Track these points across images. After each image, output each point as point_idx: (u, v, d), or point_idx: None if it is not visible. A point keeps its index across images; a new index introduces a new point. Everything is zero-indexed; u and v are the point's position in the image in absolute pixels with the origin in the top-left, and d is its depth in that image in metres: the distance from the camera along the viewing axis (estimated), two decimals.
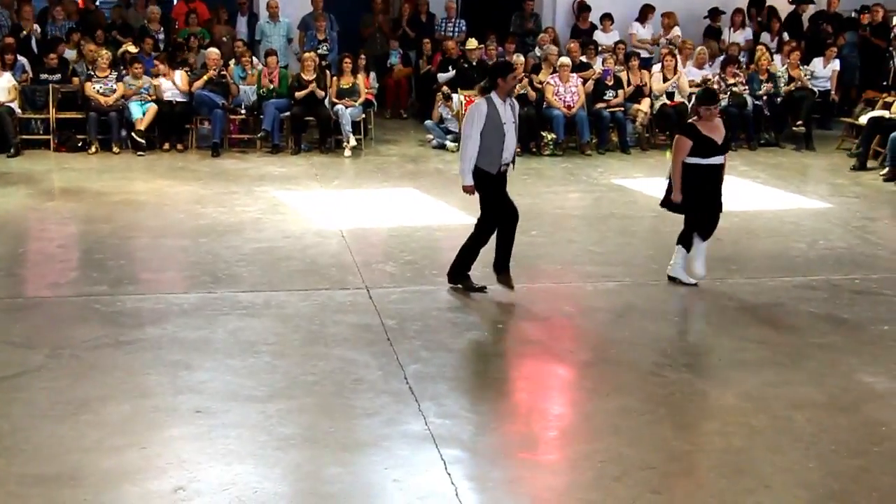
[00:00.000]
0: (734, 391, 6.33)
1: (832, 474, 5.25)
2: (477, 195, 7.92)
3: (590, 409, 6.06)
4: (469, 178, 7.81)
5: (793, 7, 17.36)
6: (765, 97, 14.91)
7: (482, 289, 8.03)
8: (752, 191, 12.22)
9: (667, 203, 8.34)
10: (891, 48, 16.24)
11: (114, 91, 13.76)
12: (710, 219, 8.28)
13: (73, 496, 4.84)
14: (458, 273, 8.06)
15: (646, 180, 12.55)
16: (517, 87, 14.19)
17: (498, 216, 7.93)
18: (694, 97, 9.12)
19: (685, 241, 8.32)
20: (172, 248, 9.39)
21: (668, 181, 8.34)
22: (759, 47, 15.78)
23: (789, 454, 5.46)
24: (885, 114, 13.67)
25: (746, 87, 14.94)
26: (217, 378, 6.29)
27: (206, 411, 5.80)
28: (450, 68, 15.26)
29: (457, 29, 16.78)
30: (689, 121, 8.39)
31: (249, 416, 5.76)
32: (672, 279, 8.36)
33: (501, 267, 8.01)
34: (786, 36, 16.70)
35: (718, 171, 8.21)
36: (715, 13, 16.98)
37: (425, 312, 7.58)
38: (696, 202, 8.18)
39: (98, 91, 13.69)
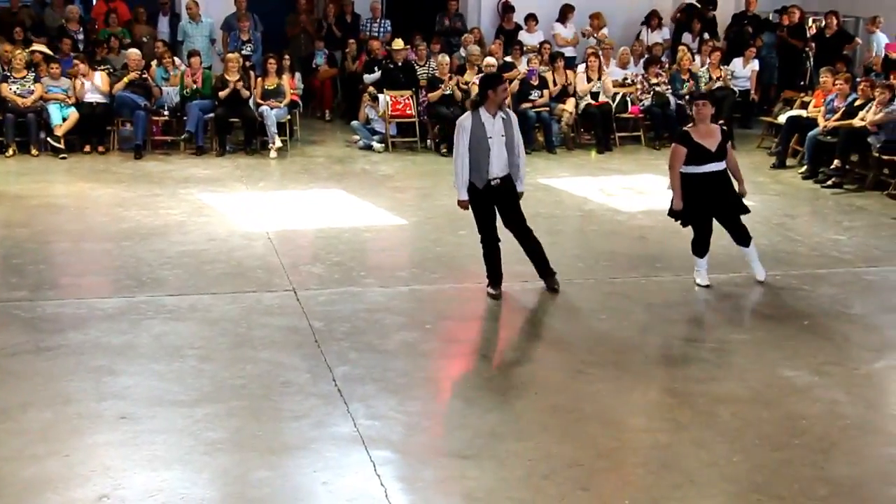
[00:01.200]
0: (660, 387, 6.42)
1: (756, 467, 5.35)
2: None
3: (518, 408, 6.09)
4: (463, 192, 7.87)
5: (700, 5, 17.62)
6: (687, 97, 15.12)
7: (496, 296, 7.99)
8: None
9: (671, 212, 8.36)
10: (807, 49, 16.60)
11: (31, 92, 13.47)
12: (706, 231, 8.28)
13: None
14: (489, 278, 8.06)
15: (572, 179, 12.66)
16: (444, 86, 14.33)
17: (486, 230, 7.94)
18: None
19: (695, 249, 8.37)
20: (95, 252, 9.23)
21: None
22: (681, 48, 16.02)
23: (714, 448, 5.55)
24: (803, 113, 13.94)
25: (669, 87, 15.16)
26: (142, 383, 6.19)
27: (131, 417, 5.71)
28: (375, 69, 15.22)
29: (382, 29, 16.75)
30: (685, 128, 8.34)
31: (175, 421, 5.69)
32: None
33: (542, 273, 8.13)
34: (706, 36, 16.96)
35: (715, 179, 8.17)
36: (653, 16, 17.23)
37: (353, 314, 7.55)
38: (692, 212, 8.21)
39: (15, 92, 13.40)
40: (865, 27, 16.49)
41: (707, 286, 8.32)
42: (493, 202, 7.94)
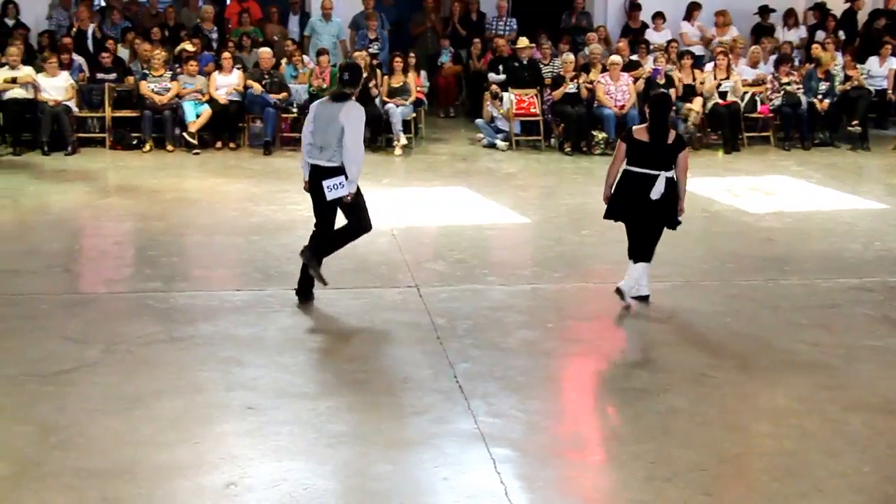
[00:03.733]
0: (786, 393, 6.27)
1: (888, 479, 5.18)
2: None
3: (639, 410, 6.03)
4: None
5: (848, 5, 17.12)
6: (819, 96, 14.70)
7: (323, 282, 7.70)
8: (806, 191, 12.08)
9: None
10: None
11: (168, 90, 13.92)
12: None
13: (127, 490, 4.91)
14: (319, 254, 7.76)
15: (698, 180, 12.42)
16: (565, 85, 14.26)
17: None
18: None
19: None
20: (225, 246, 9.48)
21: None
22: (815, 46, 15.57)
23: (843, 458, 5.39)
24: None
25: (801, 87, 14.76)
26: (268, 375, 6.34)
27: (258, 408, 5.85)
28: (500, 68, 15.23)
29: (508, 27, 16.77)
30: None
31: (300, 413, 5.80)
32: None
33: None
34: (841, 34, 16.48)
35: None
36: (765, 11, 16.83)
37: (475, 311, 7.58)
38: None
39: (153, 90, 13.87)
40: None
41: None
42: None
